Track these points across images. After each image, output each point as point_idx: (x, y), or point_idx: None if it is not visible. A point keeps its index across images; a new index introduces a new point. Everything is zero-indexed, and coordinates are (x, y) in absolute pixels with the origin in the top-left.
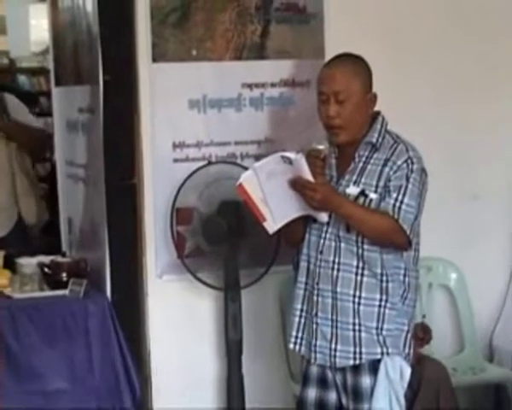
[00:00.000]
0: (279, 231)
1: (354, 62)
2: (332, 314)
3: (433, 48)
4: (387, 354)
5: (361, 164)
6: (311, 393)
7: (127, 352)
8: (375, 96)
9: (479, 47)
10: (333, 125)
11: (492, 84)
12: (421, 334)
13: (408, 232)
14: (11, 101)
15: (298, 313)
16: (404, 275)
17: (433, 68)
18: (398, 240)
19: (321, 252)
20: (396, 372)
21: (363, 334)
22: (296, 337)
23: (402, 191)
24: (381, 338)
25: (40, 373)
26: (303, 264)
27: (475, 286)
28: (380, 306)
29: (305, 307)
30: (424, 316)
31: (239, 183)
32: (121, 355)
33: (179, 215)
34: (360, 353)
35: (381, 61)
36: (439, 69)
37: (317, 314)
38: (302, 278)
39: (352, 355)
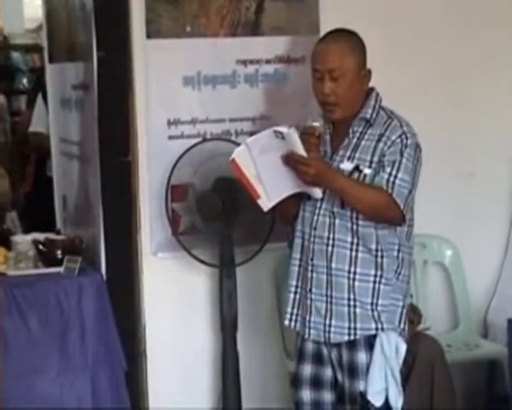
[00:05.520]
0: (273, 208)
1: (349, 38)
2: (327, 290)
3: (430, 26)
4: (382, 329)
5: (355, 140)
6: (307, 369)
7: (115, 329)
8: (369, 72)
9: (475, 27)
10: (328, 102)
11: (489, 63)
12: (412, 315)
13: (402, 207)
14: None
15: (293, 289)
16: (398, 250)
17: (430, 45)
18: (392, 215)
19: (315, 228)
20: (391, 348)
21: (357, 309)
22: (291, 314)
23: (396, 166)
24: (375, 314)
25: (33, 350)
26: (297, 241)
27: (470, 263)
28: (375, 281)
29: (300, 284)
30: (411, 296)
31: (231, 158)
32: (115, 332)
33: (174, 192)
34: (355, 328)
35: (376, 38)
36: (436, 46)
37: (311, 290)
38: (297, 255)
39: (346, 331)
